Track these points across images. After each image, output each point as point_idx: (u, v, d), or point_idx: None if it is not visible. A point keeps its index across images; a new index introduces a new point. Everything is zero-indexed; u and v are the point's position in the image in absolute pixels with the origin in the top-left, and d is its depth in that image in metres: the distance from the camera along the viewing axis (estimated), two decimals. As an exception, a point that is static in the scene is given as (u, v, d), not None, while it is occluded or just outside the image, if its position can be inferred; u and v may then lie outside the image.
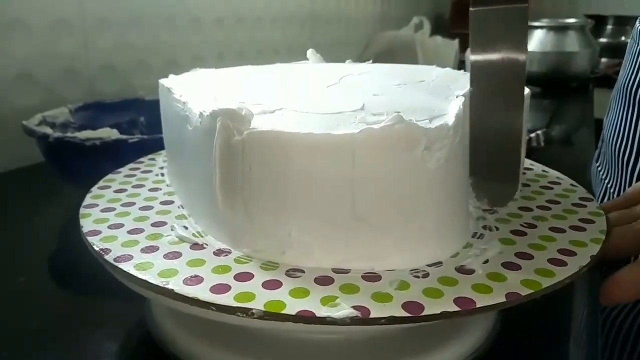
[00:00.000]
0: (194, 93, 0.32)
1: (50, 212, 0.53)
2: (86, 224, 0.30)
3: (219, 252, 0.27)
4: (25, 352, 0.32)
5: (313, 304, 0.22)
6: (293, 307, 0.22)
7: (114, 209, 0.32)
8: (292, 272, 0.25)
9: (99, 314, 0.36)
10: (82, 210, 0.32)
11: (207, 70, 0.40)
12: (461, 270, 0.25)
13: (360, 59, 0.44)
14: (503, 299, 0.23)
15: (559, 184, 0.38)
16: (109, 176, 0.38)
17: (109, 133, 0.46)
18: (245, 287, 0.24)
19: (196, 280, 0.24)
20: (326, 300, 0.23)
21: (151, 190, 0.36)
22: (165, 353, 0.30)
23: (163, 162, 0.41)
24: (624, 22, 1.62)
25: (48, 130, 0.50)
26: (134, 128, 0.61)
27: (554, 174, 0.40)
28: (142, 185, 0.36)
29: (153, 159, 0.42)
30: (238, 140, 0.25)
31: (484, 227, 0.30)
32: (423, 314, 0.22)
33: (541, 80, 1.21)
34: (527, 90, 0.33)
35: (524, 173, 0.40)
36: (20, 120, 0.50)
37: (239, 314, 0.22)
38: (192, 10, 0.87)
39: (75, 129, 0.56)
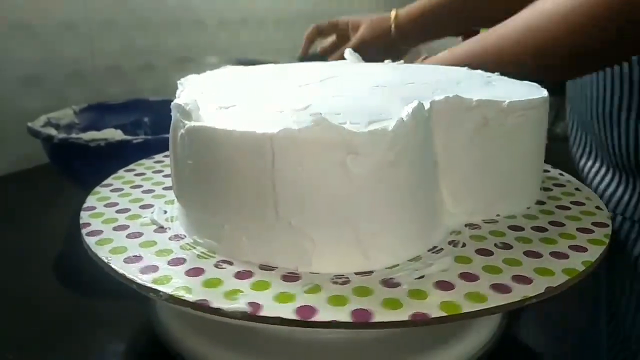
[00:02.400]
0: (194, 90, 0.34)
1: (57, 213, 0.54)
2: (89, 200, 0.34)
3: (174, 237, 0.29)
4: (32, 353, 0.32)
5: (215, 295, 0.23)
6: (197, 294, 0.23)
7: (122, 190, 0.36)
8: (220, 264, 0.26)
9: (106, 314, 0.37)
10: (95, 189, 0.36)
11: (233, 68, 0.42)
12: (386, 282, 0.24)
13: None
14: (405, 318, 0.22)
15: (583, 204, 0.33)
16: (142, 161, 0.43)
17: (112, 134, 0.47)
18: (170, 272, 0.25)
19: (135, 259, 0.26)
20: (229, 293, 0.23)
21: (166, 175, 0.39)
22: (172, 353, 0.31)
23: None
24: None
25: (52, 131, 0.51)
26: (139, 129, 0.62)
27: (584, 193, 0.35)
28: (161, 171, 0.40)
29: (188, 148, 0.46)
30: (182, 134, 0.26)
31: (450, 242, 0.28)
32: (312, 319, 0.22)
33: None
34: (516, 98, 0.29)
35: (550, 189, 0.36)
36: (27, 123, 0.51)
37: (151, 294, 0.24)
38: (196, 12, 0.87)
39: (80, 130, 0.57)
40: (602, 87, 0.40)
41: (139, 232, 0.29)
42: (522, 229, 0.30)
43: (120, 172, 0.40)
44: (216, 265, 0.26)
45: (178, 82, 0.40)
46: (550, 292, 0.24)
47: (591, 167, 0.45)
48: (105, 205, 0.33)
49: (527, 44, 0.34)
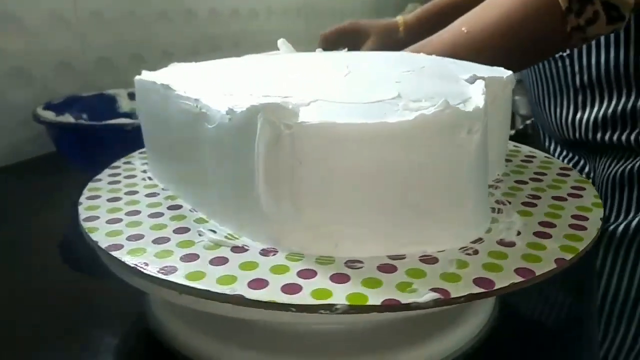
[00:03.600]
0: (200, 89, 0.30)
1: (49, 208, 0.53)
2: (101, 239, 0.27)
3: (265, 252, 0.26)
4: (26, 347, 0.32)
5: (392, 292, 0.22)
6: (374, 297, 0.22)
7: (120, 220, 0.30)
8: (351, 264, 0.25)
9: (99, 308, 0.36)
10: (85, 224, 0.29)
11: (185, 65, 0.38)
12: (502, 243, 0.27)
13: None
14: (554, 265, 0.25)
15: (535, 157, 0.41)
16: (91, 185, 0.35)
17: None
18: (316, 284, 0.23)
19: (260, 283, 0.23)
20: (402, 287, 0.23)
21: (148, 195, 0.33)
22: (165, 346, 0.30)
23: (142, 165, 0.38)
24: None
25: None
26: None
27: (525, 149, 0.43)
28: (135, 192, 0.34)
29: (129, 162, 0.39)
30: (287, 135, 0.24)
31: (497, 202, 0.32)
32: (494, 288, 0.23)
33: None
34: (508, 73, 0.34)
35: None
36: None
37: (322, 311, 0.22)
38: (187, 3, 0.85)
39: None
40: (533, 81, 0.49)
41: (220, 256, 0.25)
42: (526, 182, 0.35)
43: (86, 202, 0.32)
44: (350, 267, 0.24)
45: (135, 79, 0.35)
46: (604, 221, 0.30)
47: (547, 143, 0.54)
48: (128, 239, 0.27)
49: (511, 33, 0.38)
